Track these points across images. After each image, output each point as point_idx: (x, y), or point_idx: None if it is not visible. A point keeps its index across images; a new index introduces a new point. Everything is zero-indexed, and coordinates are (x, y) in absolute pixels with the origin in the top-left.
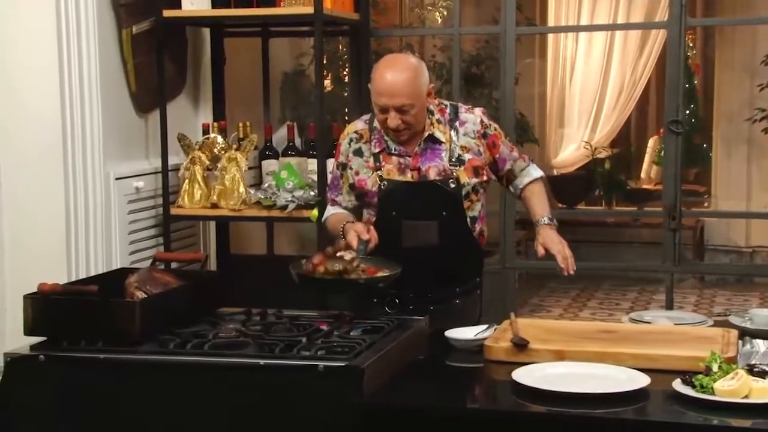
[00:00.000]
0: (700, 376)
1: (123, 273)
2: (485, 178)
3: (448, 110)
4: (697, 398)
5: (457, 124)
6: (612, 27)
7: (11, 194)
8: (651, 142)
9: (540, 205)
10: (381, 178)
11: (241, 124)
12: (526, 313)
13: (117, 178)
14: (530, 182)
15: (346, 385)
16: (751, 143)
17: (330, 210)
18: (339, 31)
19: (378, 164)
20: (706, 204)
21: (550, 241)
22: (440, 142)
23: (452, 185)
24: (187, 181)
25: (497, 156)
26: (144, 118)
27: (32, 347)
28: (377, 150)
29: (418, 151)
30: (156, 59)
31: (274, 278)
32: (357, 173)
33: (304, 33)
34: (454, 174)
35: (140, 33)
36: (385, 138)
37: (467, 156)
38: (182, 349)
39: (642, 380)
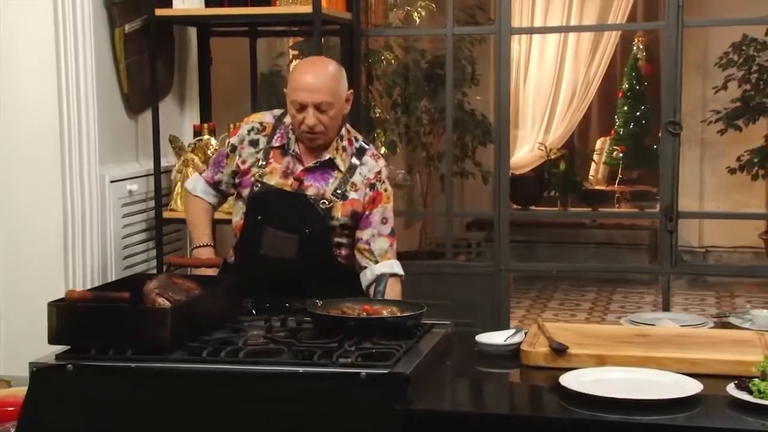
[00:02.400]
0: (756, 381)
1: (137, 279)
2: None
3: (356, 144)
4: (756, 404)
5: (358, 162)
6: (609, 27)
7: (8, 195)
8: (599, 143)
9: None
10: (257, 180)
11: (231, 125)
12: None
13: (112, 181)
14: (389, 275)
15: (390, 393)
16: (704, 144)
17: (199, 189)
18: (329, 30)
19: (266, 160)
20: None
21: None
22: (336, 169)
23: (323, 206)
24: (179, 183)
25: (366, 213)
26: (134, 119)
27: (58, 356)
28: (276, 144)
29: (311, 165)
30: (149, 59)
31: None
32: (244, 162)
33: (293, 33)
34: (330, 204)
35: (132, 32)
36: (289, 136)
37: (353, 194)
38: (216, 356)
39: (694, 386)
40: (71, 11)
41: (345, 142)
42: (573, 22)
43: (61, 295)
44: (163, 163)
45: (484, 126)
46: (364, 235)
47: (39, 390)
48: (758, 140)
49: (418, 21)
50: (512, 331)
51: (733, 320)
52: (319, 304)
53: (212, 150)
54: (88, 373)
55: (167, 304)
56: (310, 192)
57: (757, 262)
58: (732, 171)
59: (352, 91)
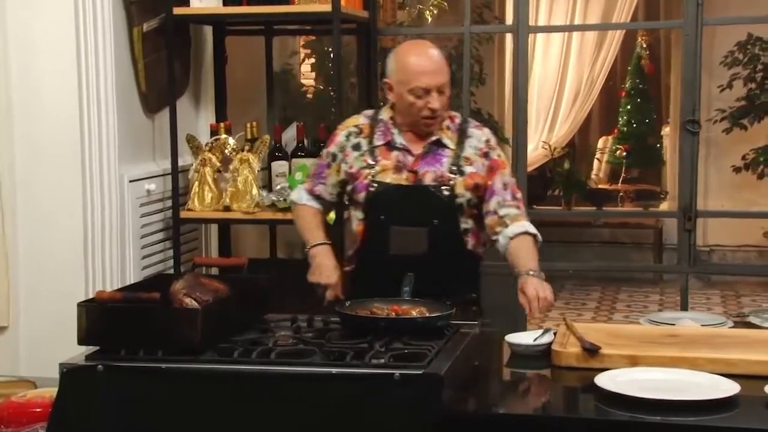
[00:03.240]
0: None
1: (162, 280)
2: (483, 196)
3: (458, 120)
4: None
5: (465, 135)
6: (627, 26)
7: (29, 195)
8: (600, 142)
9: (525, 259)
10: (372, 180)
11: (248, 125)
12: None
13: (130, 181)
14: (522, 233)
15: (424, 394)
16: (709, 144)
17: (304, 198)
18: (346, 29)
19: (374, 159)
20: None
21: (527, 286)
22: (446, 148)
23: (446, 192)
24: (197, 183)
25: (489, 183)
26: (151, 118)
27: (88, 357)
28: (380, 142)
29: (421, 152)
30: (167, 58)
31: (279, 282)
32: (351, 167)
33: (309, 32)
34: (451, 182)
35: (150, 31)
36: (392, 131)
37: (469, 168)
38: (248, 357)
39: (731, 386)
40: (91, 10)
41: (447, 121)
42: (577, 21)
43: (82, 295)
44: (180, 162)
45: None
46: (490, 206)
47: (69, 391)
48: (763, 139)
49: (429, 20)
50: (540, 331)
51: (752, 319)
52: (347, 305)
53: (230, 149)
54: (118, 373)
55: (195, 304)
56: (428, 179)
57: (761, 260)
58: (737, 170)
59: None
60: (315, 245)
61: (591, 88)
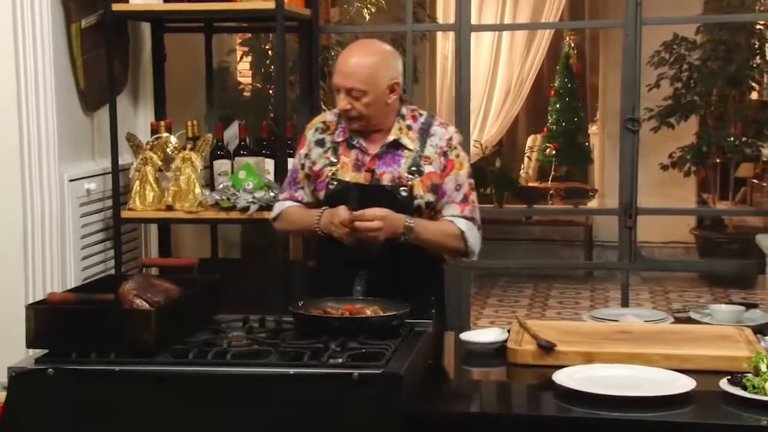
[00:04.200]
0: (749, 377)
1: (110, 281)
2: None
3: (420, 119)
4: (751, 399)
5: (427, 134)
6: (566, 25)
7: None
8: (530, 141)
9: (427, 222)
10: (332, 178)
11: (189, 123)
12: None
13: (70, 180)
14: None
15: (383, 393)
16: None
17: (286, 204)
18: (287, 27)
19: (335, 158)
20: (592, 202)
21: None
22: (405, 149)
23: (403, 193)
24: (138, 182)
25: (439, 182)
26: (90, 116)
27: (37, 360)
28: (340, 139)
29: (378, 152)
30: (105, 55)
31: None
32: (314, 163)
33: (249, 29)
34: (409, 183)
35: (88, 28)
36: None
37: (428, 168)
38: (203, 359)
39: (688, 383)
40: (29, 6)
41: (409, 121)
42: (507, 20)
43: (21, 296)
44: (119, 161)
45: None
46: (440, 205)
47: (19, 395)
48: (689, 137)
49: (368, 18)
50: (493, 329)
51: (693, 315)
52: (300, 305)
53: (171, 148)
54: (69, 377)
55: (145, 305)
56: (386, 179)
57: (687, 256)
58: (665, 168)
59: (398, 82)
60: (317, 216)
61: (521, 87)
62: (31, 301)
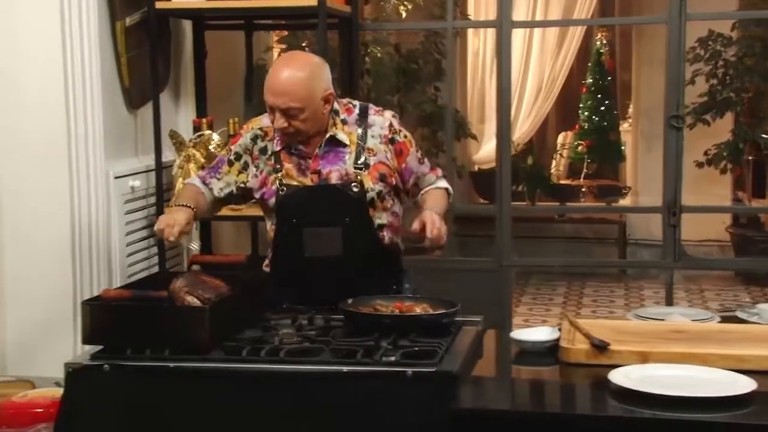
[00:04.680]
0: None
1: (160, 277)
2: (393, 184)
3: (356, 110)
4: None
5: (364, 125)
6: (608, 21)
7: (16, 193)
8: (560, 138)
9: (433, 203)
10: (280, 184)
11: (231, 121)
12: None
13: (115, 177)
14: (432, 188)
15: (436, 391)
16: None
17: (195, 181)
18: (328, 24)
19: (278, 165)
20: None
21: (425, 214)
22: (344, 145)
23: (355, 189)
24: (180, 179)
25: (403, 166)
26: (133, 114)
27: (93, 356)
28: (278, 148)
29: (318, 153)
30: (150, 52)
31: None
32: (261, 171)
33: (291, 26)
34: (358, 178)
35: (132, 26)
36: None
37: (373, 159)
38: (256, 356)
39: (748, 383)
40: (77, 4)
41: (344, 115)
42: (538, 17)
43: (69, 294)
44: (162, 158)
45: (458, 120)
46: (409, 185)
47: (75, 390)
48: (725, 134)
49: (404, 15)
50: (543, 327)
51: (739, 314)
52: (350, 302)
53: (214, 146)
54: (125, 373)
55: (197, 302)
56: (333, 178)
57: (722, 254)
58: (700, 165)
59: (332, 92)
60: (176, 206)
61: (552, 84)
62: (78, 297)
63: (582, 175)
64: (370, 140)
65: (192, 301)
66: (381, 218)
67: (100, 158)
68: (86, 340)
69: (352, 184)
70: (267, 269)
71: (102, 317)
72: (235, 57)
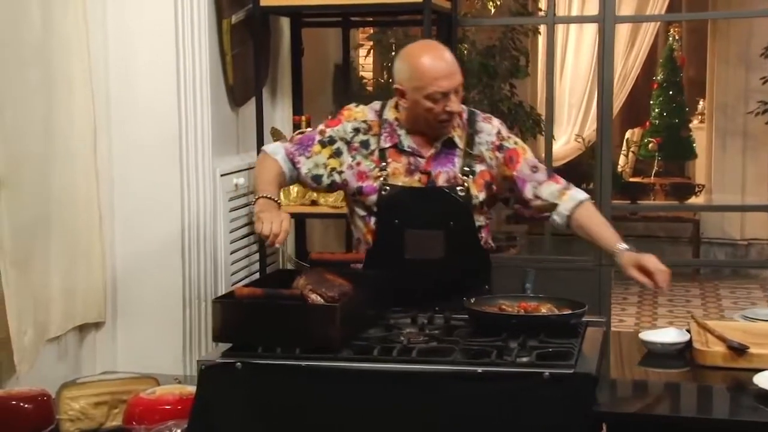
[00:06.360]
0: None
1: (281, 275)
2: (495, 193)
3: (466, 114)
4: None
5: (473, 131)
6: (707, 15)
7: (127, 191)
8: (628, 135)
9: (606, 231)
10: (384, 183)
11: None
12: None
13: (221, 175)
14: (577, 206)
15: (575, 393)
16: (746, 136)
17: (279, 155)
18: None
19: (385, 162)
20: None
21: (646, 259)
22: (456, 147)
23: (461, 193)
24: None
25: (514, 174)
26: (236, 111)
27: (224, 354)
28: (388, 144)
29: (433, 153)
30: (254, 50)
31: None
32: (359, 164)
33: (386, 23)
34: (465, 183)
35: (237, 23)
36: (399, 133)
37: (479, 167)
38: (388, 355)
39: None
40: (189, 3)
41: (457, 119)
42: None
43: (179, 292)
44: None
45: (534, 118)
46: (527, 193)
47: (208, 388)
48: None
49: (492, 11)
50: (670, 329)
51: None
52: (472, 302)
53: None
54: (257, 371)
55: (320, 300)
56: (441, 180)
57: None
58: None
59: None
60: (263, 197)
61: (624, 81)
62: (187, 293)
63: (652, 173)
64: (477, 147)
65: (316, 299)
66: (480, 221)
67: (208, 156)
68: (216, 338)
69: (458, 188)
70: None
71: (234, 315)
72: (326, 54)
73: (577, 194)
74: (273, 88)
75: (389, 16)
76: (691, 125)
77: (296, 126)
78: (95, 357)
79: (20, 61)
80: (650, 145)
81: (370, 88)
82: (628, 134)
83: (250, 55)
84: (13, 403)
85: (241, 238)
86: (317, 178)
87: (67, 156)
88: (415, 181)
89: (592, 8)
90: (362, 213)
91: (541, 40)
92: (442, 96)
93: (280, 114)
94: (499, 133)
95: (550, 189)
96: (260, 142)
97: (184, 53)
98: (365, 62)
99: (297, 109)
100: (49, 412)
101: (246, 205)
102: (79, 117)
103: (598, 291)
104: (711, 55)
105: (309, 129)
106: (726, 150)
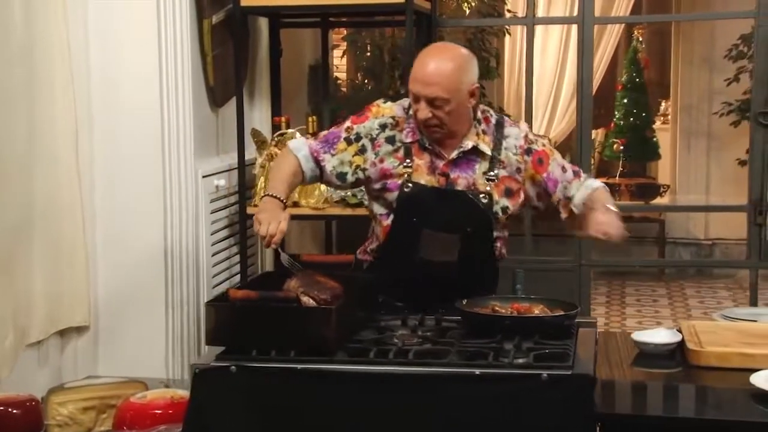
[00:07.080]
0: None
1: (270, 277)
2: (520, 200)
3: (492, 120)
4: None
5: (500, 135)
6: (702, 16)
7: (109, 192)
8: (593, 135)
9: (604, 200)
10: (408, 180)
11: (310, 119)
12: None
13: (203, 176)
14: (593, 191)
15: (574, 394)
16: (711, 137)
17: (301, 153)
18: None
19: (409, 159)
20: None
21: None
22: (480, 154)
23: (484, 200)
24: (262, 178)
25: (545, 176)
26: (215, 112)
27: (218, 357)
28: (409, 140)
29: (454, 157)
30: (234, 50)
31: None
32: (382, 161)
33: (362, 24)
34: (487, 189)
35: (217, 24)
36: (420, 130)
37: (502, 172)
38: (384, 358)
39: None
40: (171, 4)
41: (483, 125)
42: (575, 13)
43: (161, 295)
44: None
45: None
46: (558, 194)
47: (203, 391)
48: None
49: (467, 12)
50: (661, 330)
51: None
52: (464, 303)
53: None
54: (252, 374)
55: (312, 302)
56: (460, 184)
57: None
58: (742, 163)
59: (478, 86)
60: (269, 195)
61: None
62: (170, 296)
63: (617, 174)
64: (503, 152)
65: (308, 301)
66: (498, 231)
67: (191, 157)
68: (210, 341)
69: (481, 195)
70: (362, 257)
71: (227, 318)
72: (303, 55)
73: (593, 182)
74: (252, 89)
75: (368, 16)
76: (654, 126)
77: (275, 127)
78: (76, 361)
79: (2, 61)
80: (615, 146)
81: (344, 89)
82: (592, 135)
83: (230, 55)
84: (1, 408)
85: (222, 240)
86: (342, 176)
87: (49, 158)
88: (434, 181)
89: (558, 10)
90: (382, 211)
91: (508, 42)
92: (415, 98)
93: (258, 115)
94: (526, 136)
95: (575, 185)
96: (241, 144)
97: (166, 54)
98: (340, 63)
99: (276, 110)
100: (38, 417)
101: (226, 206)
102: (61, 118)
103: (578, 291)
104: (675, 57)
105: (333, 127)
106: (690, 151)
